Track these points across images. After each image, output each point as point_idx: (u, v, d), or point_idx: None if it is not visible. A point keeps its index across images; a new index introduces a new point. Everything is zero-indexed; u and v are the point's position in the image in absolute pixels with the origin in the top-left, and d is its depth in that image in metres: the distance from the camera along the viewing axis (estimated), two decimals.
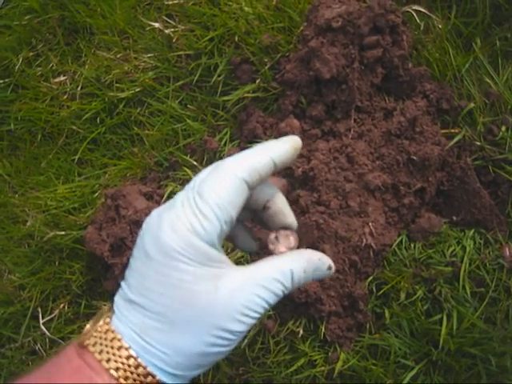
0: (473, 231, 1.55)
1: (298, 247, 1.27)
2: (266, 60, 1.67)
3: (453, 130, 1.59)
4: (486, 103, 1.57)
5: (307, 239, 1.51)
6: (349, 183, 1.52)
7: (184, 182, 1.77)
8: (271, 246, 0.99)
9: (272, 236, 1.01)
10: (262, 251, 1.33)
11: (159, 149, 1.78)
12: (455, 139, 1.55)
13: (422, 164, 1.50)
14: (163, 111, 1.79)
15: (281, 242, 0.99)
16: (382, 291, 1.49)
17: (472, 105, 1.55)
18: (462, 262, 1.48)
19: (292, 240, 1.00)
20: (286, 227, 0.93)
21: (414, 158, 1.50)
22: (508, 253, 1.49)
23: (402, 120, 1.54)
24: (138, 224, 1.56)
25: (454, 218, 1.57)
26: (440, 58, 1.60)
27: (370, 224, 1.50)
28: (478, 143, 1.55)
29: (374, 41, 1.54)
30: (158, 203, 1.73)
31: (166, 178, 1.77)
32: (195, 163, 1.73)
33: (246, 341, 1.56)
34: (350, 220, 1.50)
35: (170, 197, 1.74)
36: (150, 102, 1.81)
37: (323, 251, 1.49)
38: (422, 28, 1.63)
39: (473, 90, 1.58)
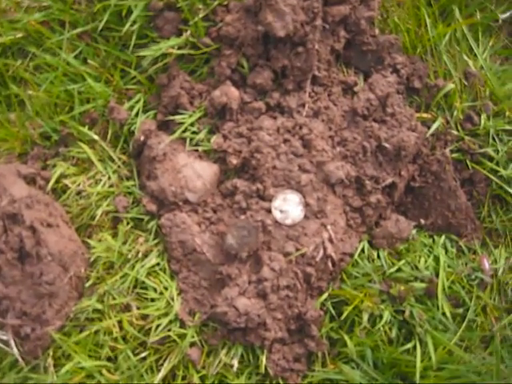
0: (443, 238, 1.28)
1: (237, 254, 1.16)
2: (198, 7, 1.28)
3: (425, 115, 1.31)
4: (464, 85, 1.31)
5: (249, 245, 1.15)
6: (305, 174, 1.18)
7: (79, 162, 1.34)
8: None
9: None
10: None
11: (46, 116, 1.35)
12: (434, 126, 1.27)
13: (395, 154, 1.21)
14: (54, 66, 1.36)
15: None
16: (342, 316, 1.17)
17: (451, 85, 1.28)
18: (436, 276, 1.20)
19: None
20: None
21: (387, 145, 1.20)
22: (487, 265, 1.24)
23: (371, 97, 1.23)
24: (15, 219, 1.12)
25: (423, 221, 1.29)
26: (412, 27, 1.31)
27: (329, 227, 1.17)
28: (455, 132, 1.28)
29: None
30: (43, 189, 1.28)
31: (55, 155, 1.35)
32: (96, 137, 1.32)
33: (160, 374, 1.17)
34: (305, 222, 1.17)
35: (58, 181, 1.31)
36: (36, 53, 1.37)
37: (268, 261, 1.15)
38: None
39: (452, 69, 1.31)
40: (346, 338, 1.17)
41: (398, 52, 1.31)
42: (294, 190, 1.17)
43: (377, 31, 1.32)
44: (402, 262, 1.22)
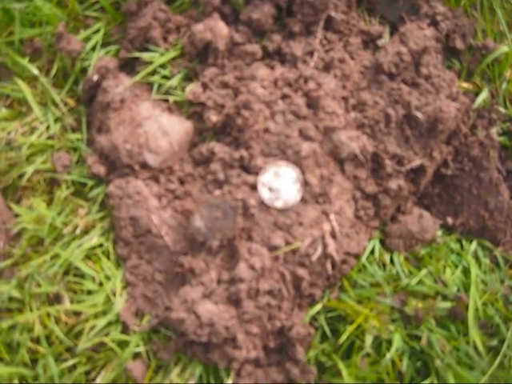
0: (475, 244, 0.99)
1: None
2: None
3: (465, 85, 1.01)
4: None
5: (222, 230, 0.85)
6: (307, 142, 0.88)
7: (13, 103, 1.03)
8: None
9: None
10: None
11: None
12: (480, 97, 0.98)
13: (428, 127, 0.91)
14: None
15: None
16: (340, 338, 0.87)
17: (504, 48, 0.99)
18: (465, 293, 0.91)
19: None
20: None
21: (418, 114, 0.90)
22: None
23: (403, 51, 0.93)
24: None
25: (450, 220, 1.00)
26: None
27: (333, 217, 0.88)
28: (503, 110, 0.99)
29: None
30: None
31: None
32: (36, 73, 1.01)
33: None
34: (302, 207, 0.87)
35: None
36: None
37: (246, 255, 0.85)
38: None
39: (506, 28, 1.01)
40: (342, 365, 0.88)
41: (438, 0, 1.01)
42: (289, 163, 0.87)
43: None
44: (424, 271, 0.92)
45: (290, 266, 0.86)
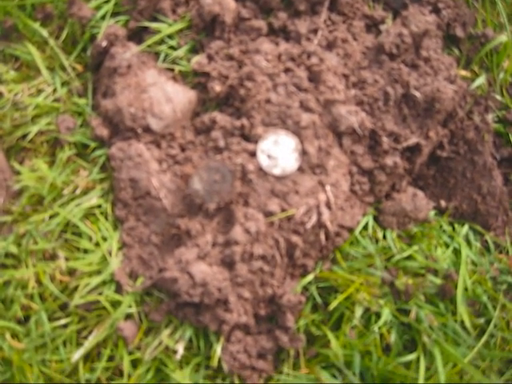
0: (467, 227, 1.01)
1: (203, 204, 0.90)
2: None
3: (464, 73, 1.04)
4: None
5: (220, 194, 0.87)
6: (307, 113, 0.90)
7: (22, 67, 1.05)
8: None
9: None
10: None
11: None
12: (477, 82, 1.00)
13: (425, 107, 0.93)
14: None
15: None
16: (330, 306, 0.89)
17: (503, 38, 1.01)
18: (456, 272, 0.93)
19: None
20: None
21: (416, 93, 0.92)
22: None
23: (404, 33, 0.95)
24: None
25: (444, 202, 1.02)
26: None
27: (329, 188, 0.89)
28: (499, 98, 1.02)
29: None
30: None
31: None
32: (46, 36, 1.02)
33: (80, 349, 0.89)
34: (299, 175, 0.89)
35: None
36: None
37: (242, 219, 0.86)
38: None
39: (506, 20, 1.04)
40: (331, 336, 0.89)
41: None
42: (289, 132, 0.89)
43: None
44: (415, 247, 0.94)
45: (285, 232, 0.87)
